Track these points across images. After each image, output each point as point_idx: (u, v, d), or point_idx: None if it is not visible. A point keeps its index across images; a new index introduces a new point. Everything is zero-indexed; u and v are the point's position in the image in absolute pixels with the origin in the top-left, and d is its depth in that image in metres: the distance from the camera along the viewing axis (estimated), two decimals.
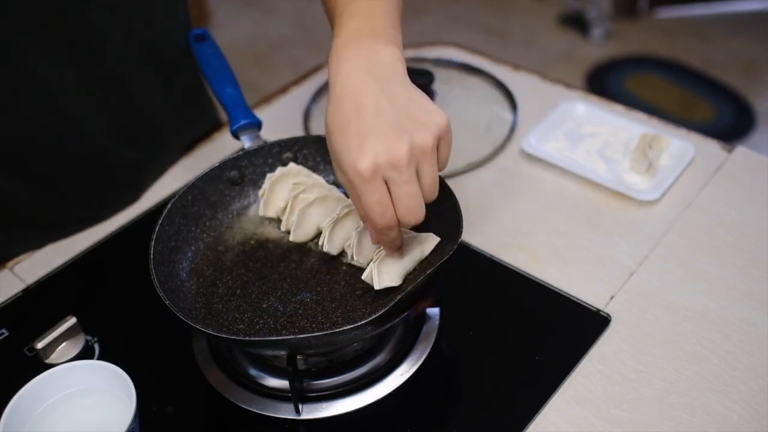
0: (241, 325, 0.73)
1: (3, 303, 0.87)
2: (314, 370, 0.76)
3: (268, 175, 0.83)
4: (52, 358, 0.78)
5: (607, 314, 0.81)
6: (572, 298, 0.83)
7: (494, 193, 0.97)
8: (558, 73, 2.03)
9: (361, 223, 0.76)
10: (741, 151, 0.99)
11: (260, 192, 0.84)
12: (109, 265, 0.92)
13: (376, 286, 0.72)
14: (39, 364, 0.77)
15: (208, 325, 0.73)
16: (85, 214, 0.96)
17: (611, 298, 0.83)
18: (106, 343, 0.81)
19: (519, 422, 0.72)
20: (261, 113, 1.13)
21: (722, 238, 0.88)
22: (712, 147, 1.00)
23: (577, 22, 2.93)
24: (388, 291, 0.74)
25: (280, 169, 0.83)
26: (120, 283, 0.90)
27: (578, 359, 0.77)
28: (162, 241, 0.76)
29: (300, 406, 0.73)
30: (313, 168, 0.87)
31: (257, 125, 0.86)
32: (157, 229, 0.76)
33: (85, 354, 0.79)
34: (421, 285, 0.68)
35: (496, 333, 0.81)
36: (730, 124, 2.45)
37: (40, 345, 0.77)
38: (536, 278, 0.85)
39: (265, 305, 0.75)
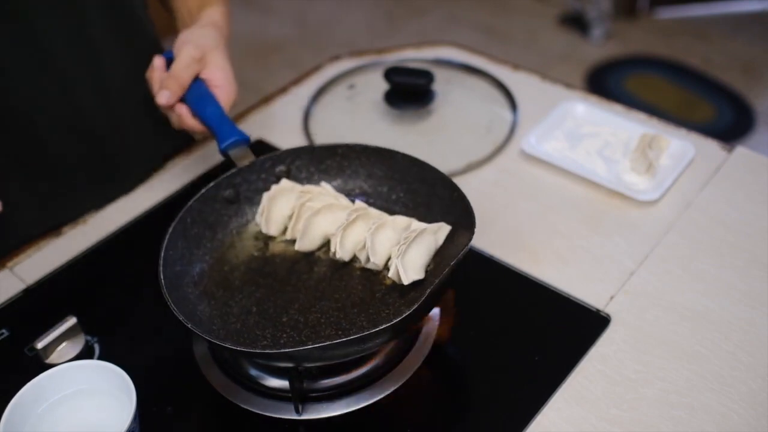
0: (265, 342, 0.73)
1: (3, 303, 0.87)
2: (314, 371, 0.76)
3: (265, 194, 0.83)
4: (52, 358, 0.78)
5: (607, 314, 0.81)
6: (572, 298, 0.83)
7: (494, 193, 0.97)
8: (558, 73, 2.03)
9: (373, 226, 0.76)
10: (741, 151, 0.99)
11: (259, 210, 0.83)
12: (109, 265, 0.92)
13: (405, 282, 0.73)
14: (39, 364, 0.77)
15: (240, 344, 0.72)
16: (74, 192, 0.97)
17: (611, 298, 0.83)
18: (106, 343, 0.81)
19: (519, 422, 0.72)
20: (261, 113, 1.13)
21: (722, 238, 0.88)
22: (712, 147, 1.00)
23: (577, 22, 2.93)
24: (408, 290, 0.74)
25: (275, 187, 0.83)
26: (120, 283, 0.90)
27: (578, 359, 0.77)
28: (169, 266, 0.75)
29: (300, 407, 0.73)
30: (308, 179, 0.87)
31: (245, 142, 0.85)
32: (162, 254, 0.74)
33: (85, 354, 0.79)
34: (446, 278, 0.68)
35: (496, 333, 0.81)
36: (730, 124, 2.45)
37: (40, 345, 0.77)
38: (536, 278, 0.85)
39: (285, 319, 0.75)
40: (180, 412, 0.76)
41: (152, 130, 1.01)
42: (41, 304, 0.87)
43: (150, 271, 0.88)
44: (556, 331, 0.80)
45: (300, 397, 0.73)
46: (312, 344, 0.65)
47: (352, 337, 0.65)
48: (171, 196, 1.00)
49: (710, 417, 0.71)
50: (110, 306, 0.87)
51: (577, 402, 0.73)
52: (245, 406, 0.75)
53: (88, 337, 0.81)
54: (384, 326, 0.64)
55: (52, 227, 0.96)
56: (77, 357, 0.78)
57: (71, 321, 0.79)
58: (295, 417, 0.73)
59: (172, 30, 0.99)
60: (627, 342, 0.78)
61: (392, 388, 0.75)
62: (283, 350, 0.68)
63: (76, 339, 0.79)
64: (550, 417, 0.72)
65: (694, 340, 0.78)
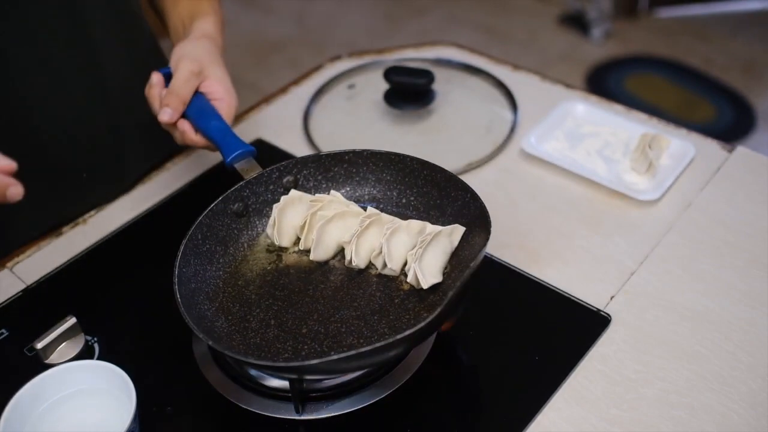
0: (286, 355, 0.72)
1: (3, 303, 0.87)
2: None
3: (275, 206, 0.82)
4: (52, 358, 0.77)
5: (607, 314, 0.81)
6: (572, 298, 0.83)
7: (494, 193, 0.97)
8: (558, 73, 2.03)
9: (387, 231, 0.76)
10: (741, 151, 0.99)
11: (270, 222, 0.83)
12: (109, 265, 0.92)
13: (424, 286, 0.74)
14: (39, 364, 0.77)
15: (263, 358, 0.72)
16: (72, 185, 0.97)
17: (611, 298, 0.83)
18: (106, 343, 0.81)
19: (519, 422, 0.72)
20: (261, 113, 1.13)
21: (722, 238, 0.88)
22: (712, 147, 1.00)
23: (577, 22, 2.93)
24: (427, 294, 0.75)
25: (284, 198, 0.82)
26: (120, 283, 0.89)
27: (578, 359, 0.77)
28: (183, 284, 0.74)
29: (300, 407, 0.73)
30: (316, 188, 0.86)
31: (251, 153, 0.84)
32: (176, 272, 0.73)
33: (85, 354, 0.79)
34: (468, 279, 0.68)
35: (496, 333, 0.81)
36: (730, 124, 2.45)
37: (40, 345, 0.77)
38: (536, 278, 0.85)
39: (304, 330, 0.74)
40: (180, 412, 0.76)
41: (152, 130, 1.01)
42: (41, 304, 0.87)
43: (150, 270, 0.89)
44: (556, 331, 0.80)
45: (300, 397, 0.73)
46: (336, 354, 0.64)
47: (376, 345, 0.63)
48: (171, 195, 1.00)
49: (710, 417, 0.71)
50: (110, 306, 0.87)
51: (577, 402, 0.73)
52: (245, 406, 0.75)
53: (88, 337, 0.81)
54: (409, 332, 0.63)
55: (52, 228, 0.96)
56: (77, 357, 0.78)
57: (71, 321, 0.79)
58: (295, 417, 0.73)
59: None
60: (627, 342, 0.78)
61: (392, 388, 0.75)
62: (307, 362, 0.66)
63: (76, 339, 0.79)
64: (550, 417, 0.72)
65: (694, 340, 0.78)
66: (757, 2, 2.97)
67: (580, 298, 0.83)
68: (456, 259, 0.77)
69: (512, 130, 1.05)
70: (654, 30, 2.91)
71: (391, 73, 1.08)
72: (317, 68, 1.21)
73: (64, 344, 0.79)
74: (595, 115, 1.05)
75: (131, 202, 1.00)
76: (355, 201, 0.84)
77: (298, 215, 0.82)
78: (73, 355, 0.78)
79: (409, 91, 1.09)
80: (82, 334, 0.80)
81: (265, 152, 1.01)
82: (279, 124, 1.11)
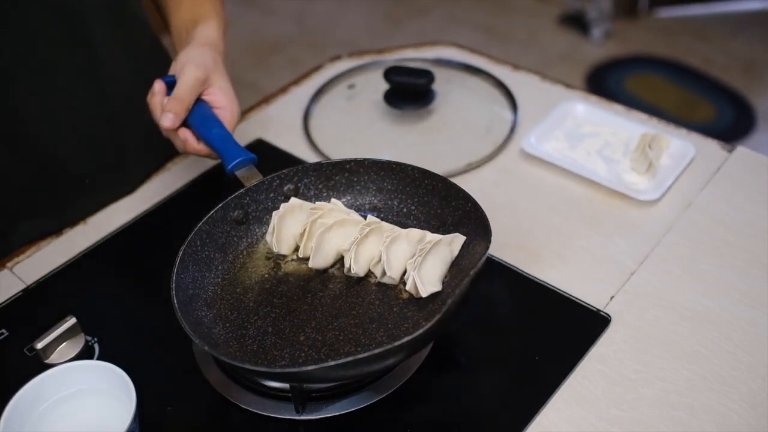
0: (283, 362, 0.72)
1: (3, 303, 0.87)
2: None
3: (274, 213, 0.82)
4: (52, 358, 0.77)
5: (607, 314, 0.81)
6: (572, 298, 0.83)
7: (494, 193, 0.97)
8: (558, 73, 2.03)
9: (387, 239, 0.76)
10: (741, 151, 0.99)
11: (269, 229, 0.82)
12: (109, 265, 0.92)
13: (423, 294, 0.74)
14: (39, 364, 0.77)
15: (260, 364, 0.72)
16: (76, 184, 0.97)
17: (611, 298, 0.83)
18: (106, 343, 0.81)
19: (519, 422, 0.72)
20: (261, 113, 1.13)
21: (722, 238, 0.88)
22: (712, 147, 1.00)
23: (577, 22, 2.92)
24: (426, 302, 0.74)
25: (283, 206, 0.82)
26: (120, 283, 0.90)
27: (578, 359, 0.77)
28: (181, 290, 0.74)
29: (300, 407, 0.73)
30: (317, 196, 0.86)
31: (252, 161, 0.84)
32: (174, 278, 0.73)
33: (85, 354, 0.79)
34: (466, 288, 0.67)
35: (496, 333, 0.81)
36: (730, 124, 2.45)
37: (40, 345, 0.77)
38: (536, 278, 0.85)
39: (302, 338, 0.74)
40: (180, 412, 0.76)
41: (154, 133, 1.01)
42: (41, 304, 0.87)
43: (150, 270, 0.89)
44: (556, 331, 0.80)
45: (300, 397, 0.73)
46: (333, 361, 0.64)
47: (374, 352, 0.63)
48: (172, 195, 1.00)
49: (710, 417, 0.71)
50: (110, 306, 0.87)
51: (577, 402, 0.73)
52: (245, 406, 0.75)
53: (88, 337, 0.81)
54: (406, 339, 0.63)
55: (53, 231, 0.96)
56: (77, 357, 0.78)
57: (71, 321, 0.79)
58: (295, 417, 0.73)
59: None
60: (627, 342, 0.78)
61: (392, 389, 0.75)
62: (303, 369, 0.66)
63: (76, 339, 0.79)
64: (550, 417, 0.72)
65: (694, 340, 0.78)
66: (757, 2, 2.97)
67: (580, 298, 0.83)
68: (456, 268, 0.77)
69: (512, 130, 1.05)
70: (654, 30, 2.91)
71: (391, 73, 1.08)
72: (317, 68, 1.21)
73: (64, 344, 0.79)
74: (595, 115, 1.05)
75: (131, 201, 1.00)
76: (355, 210, 0.84)
77: (297, 223, 0.82)
78: (73, 355, 0.78)
79: (409, 91, 1.09)
80: (82, 334, 0.80)
81: (265, 152, 1.01)
82: (279, 124, 1.11)
